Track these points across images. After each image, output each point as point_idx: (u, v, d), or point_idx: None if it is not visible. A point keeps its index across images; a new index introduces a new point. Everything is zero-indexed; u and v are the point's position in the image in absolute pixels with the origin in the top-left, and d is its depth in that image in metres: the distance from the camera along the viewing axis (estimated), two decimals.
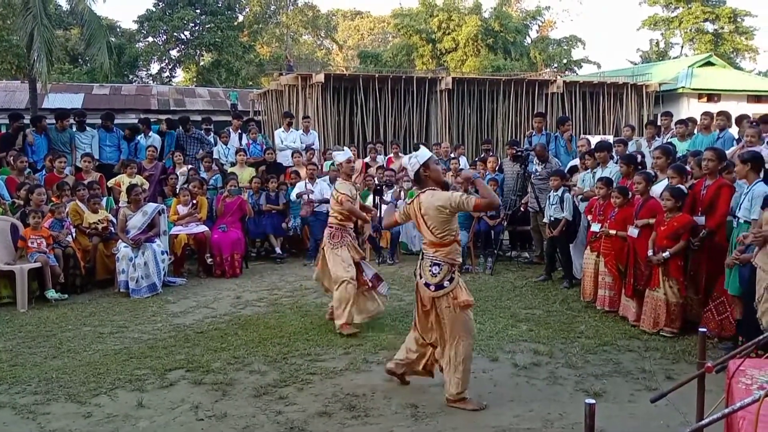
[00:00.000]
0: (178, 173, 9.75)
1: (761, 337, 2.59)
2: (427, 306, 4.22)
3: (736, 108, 17.80)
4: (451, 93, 15.85)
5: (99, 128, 10.32)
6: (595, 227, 6.67)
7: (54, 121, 10.12)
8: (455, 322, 4.15)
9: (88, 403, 4.31)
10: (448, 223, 4.16)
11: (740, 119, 8.24)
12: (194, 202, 8.67)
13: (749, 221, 5.11)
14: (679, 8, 37.13)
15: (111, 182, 9.20)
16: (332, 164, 10.27)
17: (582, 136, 12.78)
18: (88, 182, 8.54)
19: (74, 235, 7.72)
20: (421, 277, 4.22)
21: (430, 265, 4.16)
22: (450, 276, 4.13)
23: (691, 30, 36.76)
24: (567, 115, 16.27)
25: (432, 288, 4.13)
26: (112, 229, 7.96)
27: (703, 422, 2.02)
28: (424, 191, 4.26)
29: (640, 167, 6.92)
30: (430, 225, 4.16)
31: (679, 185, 5.86)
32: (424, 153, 4.33)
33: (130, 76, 31.55)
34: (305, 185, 9.49)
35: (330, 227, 6.01)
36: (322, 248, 6.05)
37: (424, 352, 4.45)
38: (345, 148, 6.13)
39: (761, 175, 5.22)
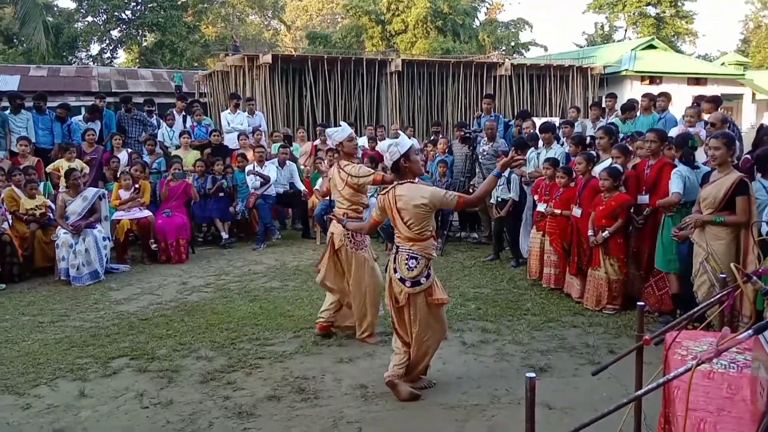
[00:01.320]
0: (118, 156, 9.44)
1: (695, 309, 2.67)
2: (401, 302, 4.02)
3: (677, 90, 18.36)
4: (401, 75, 15.82)
5: (32, 110, 9.88)
6: (541, 207, 6.78)
7: None
8: (429, 319, 4.03)
9: (27, 394, 4.18)
10: (428, 219, 3.96)
11: (696, 99, 8.38)
12: (137, 186, 8.42)
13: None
14: None
15: (50, 167, 8.85)
16: (280, 145, 10.15)
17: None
18: (24, 167, 8.21)
19: (11, 222, 7.41)
20: (396, 272, 4.00)
21: (407, 258, 3.94)
22: (427, 272, 3.97)
23: (634, 14, 37.66)
24: (514, 97, 16.49)
25: (408, 284, 3.95)
26: (51, 215, 7.67)
27: (640, 392, 2.08)
28: (402, 183, 4.00)
29: (589, 148, 7.05)
30: (407, 220, 3.93)
31: (617, 165, 6.00)
32: (404, 141, 4.06)
33: (69, 57, 30.30)
34: (254, 167, 9.34)
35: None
36: (334, 249, 5.03)
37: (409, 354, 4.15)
38: (343, 123, 5.43)
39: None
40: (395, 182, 4.09)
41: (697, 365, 1.85)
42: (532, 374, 2.00)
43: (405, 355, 4.12)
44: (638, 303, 2.96)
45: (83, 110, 10.48)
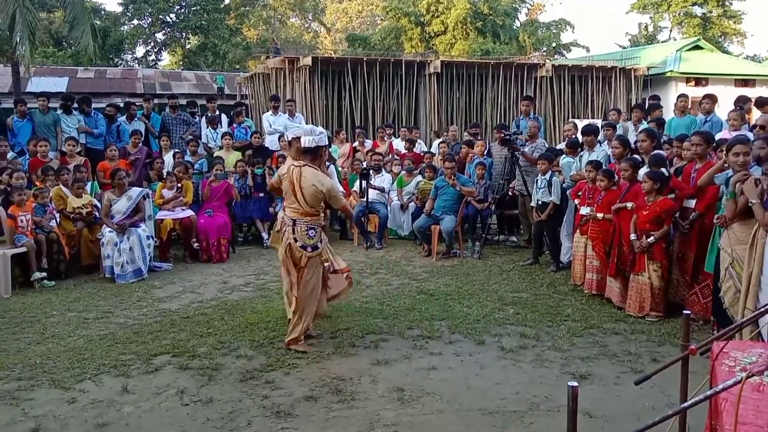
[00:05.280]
0: (164, 157, 9.63)
1: (744, 319, 2.59)
2: (302, 264, 4.91)
3: (723, 92, 17.82)
4: (440, 76, 15.78)
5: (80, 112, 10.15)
6: (584, 210, 6.67)
7: (37, 104, 9.95)
8: (313, 276, 4.96)
9: (73, 389, 4.28)
10: (321, 200, 4.88)
11: (738, 101, 8.10)
12: (179, 186, 8.59)
13: None
14: None
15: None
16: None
17: (569, 119, 12.76)
18: (75, 166, 8.44)
19: (58, 220, 7.63)
20: (296, 241, 4.85)
21: (307, 230, 4.87)
22: (320, 239, 4.98)
23: (679, 14, 36.78)
24: (555, 98, 16.29)
25: (309, 249, 4.88)
26: (97, 214, 7.87)
27: (686, 404, 2.02)
28: (307, 166, 4.85)
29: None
30: (306, 198, 4.82)
31: (662, 170, 5.86)
32: (326, 137, 5.00)
33: (116, 60, 31.10)
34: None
35: None
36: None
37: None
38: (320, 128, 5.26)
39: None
40: (301, 163, 4.86)
41: (747, 378, 1.79)
42: (575, 383, 1.96)
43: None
44: (684, 311, 2.88)
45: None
